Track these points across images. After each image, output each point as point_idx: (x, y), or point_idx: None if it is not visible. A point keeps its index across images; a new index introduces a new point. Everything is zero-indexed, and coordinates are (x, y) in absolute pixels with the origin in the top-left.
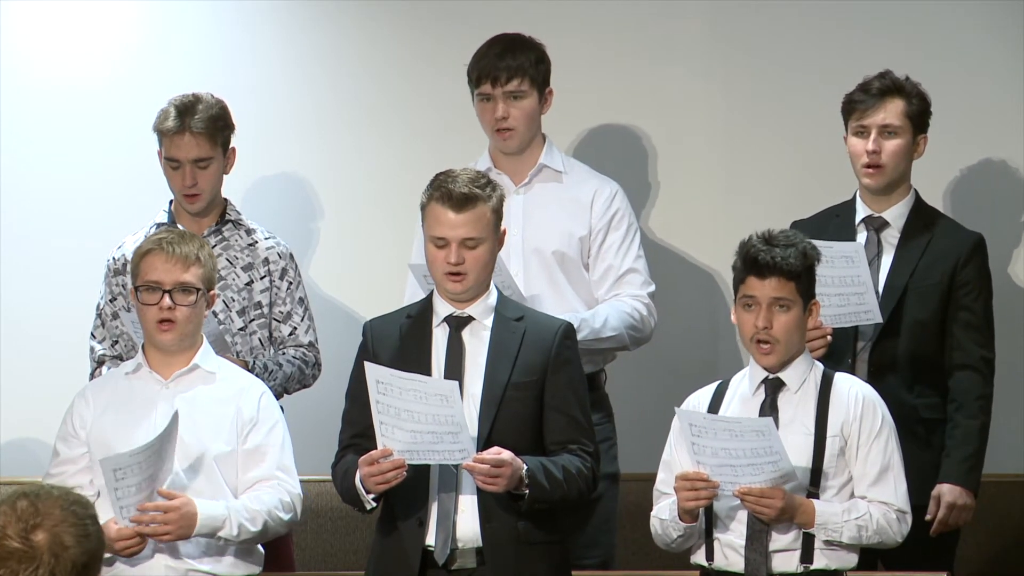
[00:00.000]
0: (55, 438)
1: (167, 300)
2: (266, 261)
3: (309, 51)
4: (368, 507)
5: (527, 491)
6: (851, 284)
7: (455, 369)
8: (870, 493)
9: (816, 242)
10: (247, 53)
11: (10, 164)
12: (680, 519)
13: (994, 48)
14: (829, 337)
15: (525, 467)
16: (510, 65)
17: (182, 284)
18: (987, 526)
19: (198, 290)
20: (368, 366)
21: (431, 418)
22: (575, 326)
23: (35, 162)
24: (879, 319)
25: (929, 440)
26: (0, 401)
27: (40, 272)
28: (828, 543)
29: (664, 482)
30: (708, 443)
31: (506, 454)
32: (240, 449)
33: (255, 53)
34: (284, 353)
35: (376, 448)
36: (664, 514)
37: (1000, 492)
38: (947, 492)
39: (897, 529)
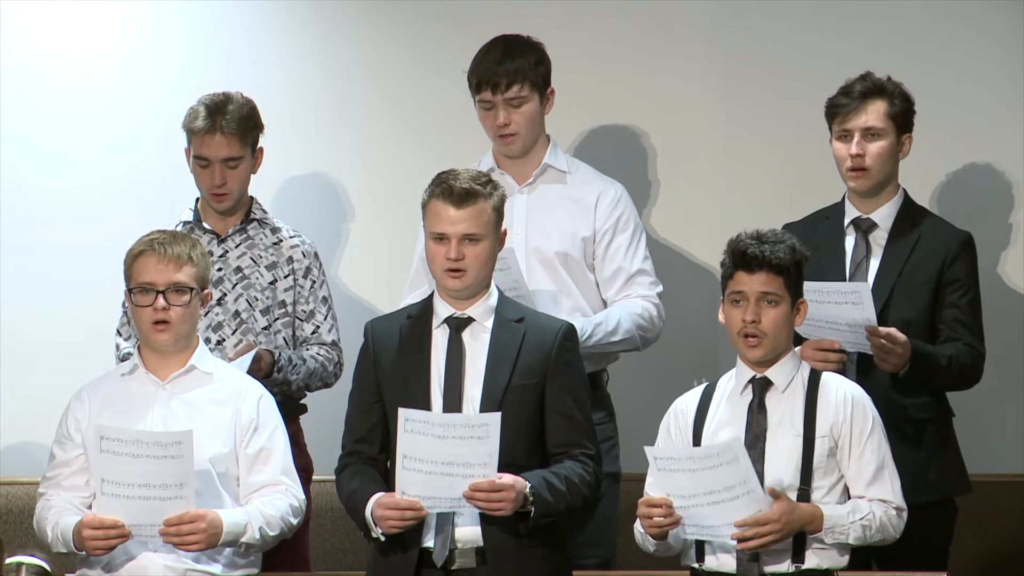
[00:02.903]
0: (52, 441)
1: (161, 301)
2: (290, 260)
3: (309, 52)
4: (375, 535)
5: (532, 509)
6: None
7: (455, 371)
8: (868, 492)
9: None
10: (247, 54)
11: (10, 164)
12: (650, 536)
13: (986, 50)
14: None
15: (529, 485)
16: (509, 70)
17: (175, 284)
18: (986, 526)
19: (191, 289)
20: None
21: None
22: (588, 331)
23: (35, 162)
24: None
25: (919, 440)
26: (0, 401)
27: (40, 273)
28: (819, 543)
29: (652, 486)
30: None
31: (507, 478)
32: (242, 452)
33: (255, 53)
34: (308, 350)
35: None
36: (640, 526)
37: (1000, 492)
38: (901, 336)
39: (896, 525)
